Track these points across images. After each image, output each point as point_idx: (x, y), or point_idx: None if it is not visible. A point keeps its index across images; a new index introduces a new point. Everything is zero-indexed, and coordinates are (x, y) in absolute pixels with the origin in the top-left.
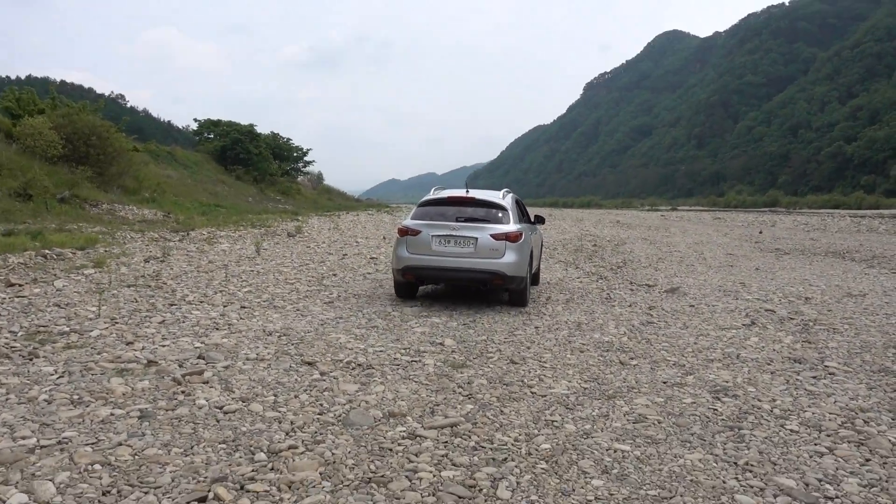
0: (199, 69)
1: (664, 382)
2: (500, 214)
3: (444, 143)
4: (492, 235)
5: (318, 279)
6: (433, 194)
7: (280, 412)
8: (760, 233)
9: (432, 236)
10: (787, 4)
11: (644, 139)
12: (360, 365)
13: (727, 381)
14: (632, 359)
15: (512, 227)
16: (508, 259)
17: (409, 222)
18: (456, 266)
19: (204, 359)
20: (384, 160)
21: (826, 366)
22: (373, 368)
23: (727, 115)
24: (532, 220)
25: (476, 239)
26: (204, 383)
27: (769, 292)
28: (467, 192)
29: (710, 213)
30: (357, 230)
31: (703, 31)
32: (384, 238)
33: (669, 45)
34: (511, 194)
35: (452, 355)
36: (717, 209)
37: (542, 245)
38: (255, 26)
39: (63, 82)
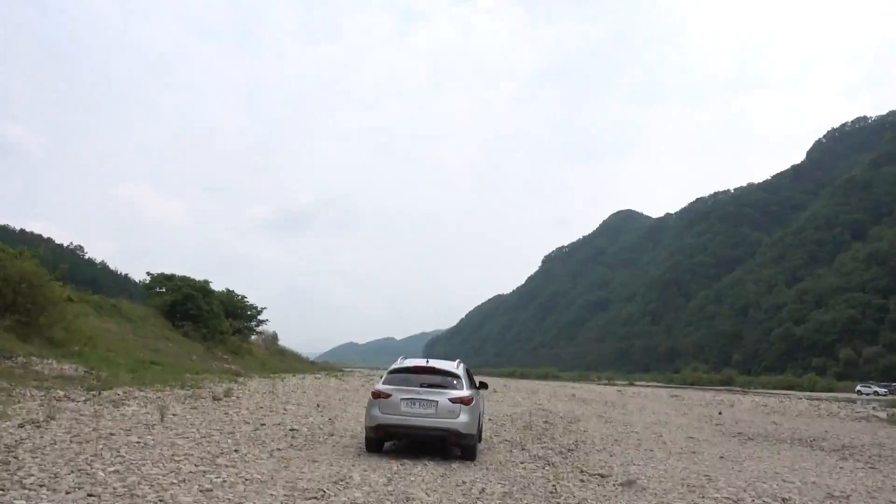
0: (166, 225)
1: None
2: (454, 381)
3: (403, 307)
4: (450, 399)
5: (212, 458)
6: (401, 363)
7: None
8: (720, 414)
9: (401, 399)
10: (732, 192)
11: (601, 312)
12: None
13: None
14: None
15: (465, 392)
16: (463, 419)
17: (381, 387)
18: (420, 424)
19: None
20: (344, 323)
21: None
22: None
23: (680, 292)
24: (477, 385)
25: (437, 402)
26: None
27: (739, 489)
28: (427, 362)
29: (666, 389)
30: (294, 396)
31: (655, 211)
32: (317, 406)
33: (624, 224)
34: (462, 364)
35: None
36: (673, 385)
37: (484, 406)
38: (226, 185)
39: (23, 230)
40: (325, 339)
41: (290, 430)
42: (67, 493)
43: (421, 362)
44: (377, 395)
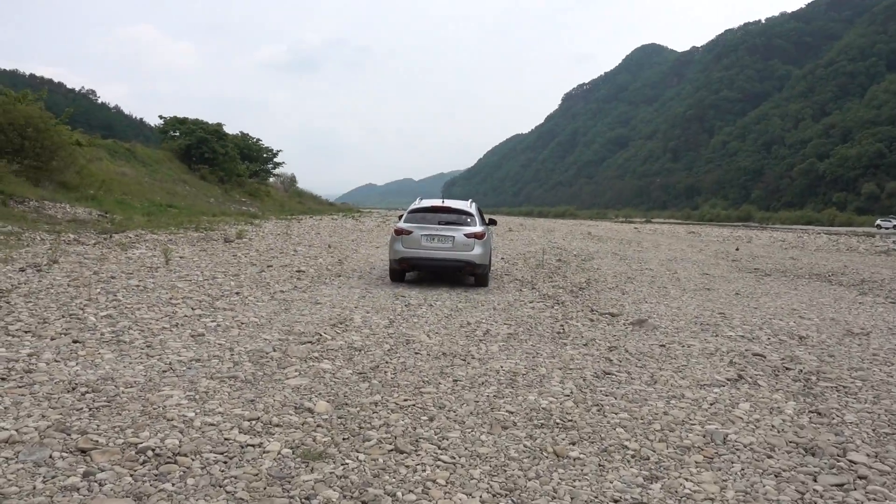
0: (174, 67)
1: (615, 502)
2: (468, 219)
3: (421, 149)
4: (465, 234)
5: (212, 300)
6: (419, 203)
7: None
8: (737, 249)
9: (421, 235)
10: (763, 22)
11: (621, 151)
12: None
13: (712, 499)
14: (572, 444)
15: (479, 228)
16: (476, 251)
17: (402, 224)
18: (439, 257)
19: None
20: (361, 165)
21: (851, 462)
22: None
23: (703, 129)
24: (487, 222)
25: (453, 237)
26: None
27: (755, 327)
28: (443, 202)
29: (684, 226)
30: (308, 237)
31: (680, 45)
32: (329, 247)
33: (647, 59)
34: (475, 203)
35: (314, 432)
36: (691, 223)
37: (493, 241)
38: (232, 26)
39: (33, 76)
40: (343, 181)
41: (297, 271)
42: (52, 339)
43: (437, 202)
44: (399, 231)
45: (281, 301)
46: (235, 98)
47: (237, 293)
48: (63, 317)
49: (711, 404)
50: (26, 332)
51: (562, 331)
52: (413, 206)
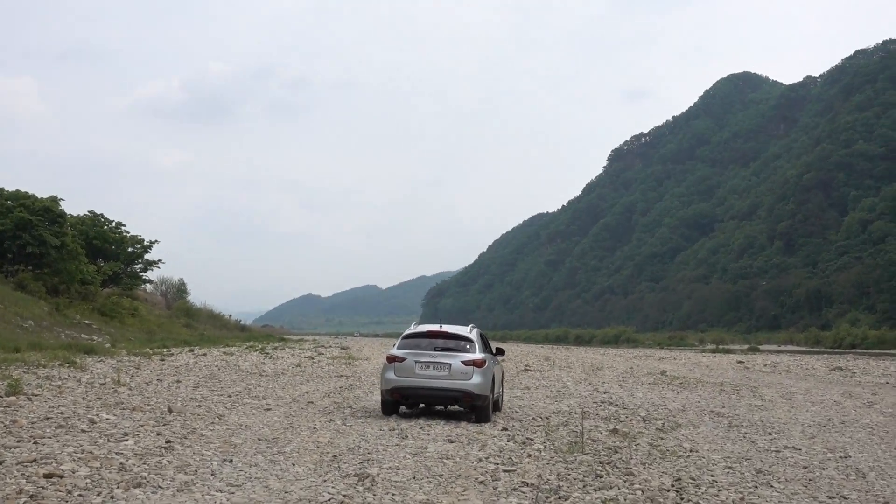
0: (13, 117)
1: None
2: (467, 346)
3: (390, 239)
4: (462, 362)
5: None
6: (414, 328)
7: None
8: None
9: (415, 362)
10: None
11: (702, 238)
12: None
13: None
14: None
15: (478, 355)
16: (475, 381)
17: (395, 351)
18: (434, 386)
19: None
20: (297, 265)
21: None
22: None
23: (829, 202)
24: (493, 351)
25: (450, 364)
26: None
27: None
28: (441, 327)
29: (815, 356)
30: (147, 389)
31: (788, 74)
32: (169, 411)
33: (738, 95)
34: (476, 329)
35: None
36: (824, 350)
37: (503, 375)
38: (94, 52)
39: None
40: (271, 291)
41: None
42: None
43: (434, 327)
44: (392, 358)
45: None
46: (99, 158)
47: None
48: None
49: None
50: None
51: None
52: (408, 332)
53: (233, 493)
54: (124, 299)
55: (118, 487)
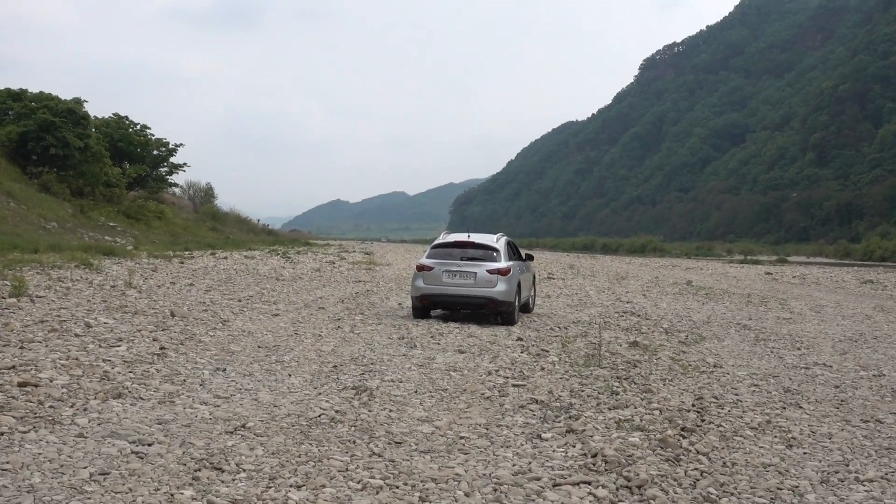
0: (41, 24)
1: None
2: (494, 255)
3: (418, 147)
4: (487, 271)
5: None
6: (442, 238)
7: None
8: None
9: (443, 271)
10: None
11: (733, 148)
12: None
13: None
14: None
15: (503, 264)
16: (500, 288)
17: (425, 260)
18: (461, 293)
19: None
20: (326, 172)
21: None
22: None
23: (864, 114)
24: (523, 257)
25: (476, 273)
26: None
27: None
28: (468, 236)
29: (844, 269)
30: (158, 293)
31: None
32: (170, 315)
33: (775, 5)
34: (504, 237)
35: None
36: (853, 263)
37: (535, 278)
38: None
39: None
40: (299, 197)
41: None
42: None
43: (462, 237)
44: (421, 267)
45: None
46: (126, 66)
47: None
48: None
49: None
50: None
51: None
52: (437, 241)
53: (218, 405)
54: (150, 202)
55: (95, 398)
